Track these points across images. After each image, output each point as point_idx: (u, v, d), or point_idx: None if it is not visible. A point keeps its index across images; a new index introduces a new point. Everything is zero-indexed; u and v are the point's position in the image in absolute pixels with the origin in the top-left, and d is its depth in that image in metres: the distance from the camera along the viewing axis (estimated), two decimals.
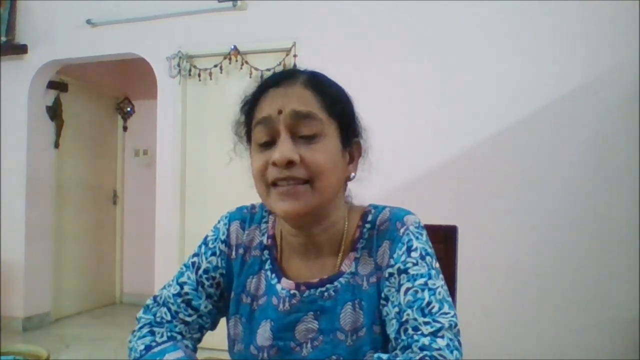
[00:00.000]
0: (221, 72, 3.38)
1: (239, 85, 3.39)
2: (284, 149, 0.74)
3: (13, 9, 3.87)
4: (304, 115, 0.75)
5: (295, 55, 3.14)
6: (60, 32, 3.78)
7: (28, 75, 3.86)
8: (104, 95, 4.77)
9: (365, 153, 0.85)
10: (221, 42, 3.35)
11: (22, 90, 3.86)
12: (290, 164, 0.73)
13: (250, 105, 0.82)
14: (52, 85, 4.04)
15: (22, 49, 3.82)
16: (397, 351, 0.71)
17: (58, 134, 4.13)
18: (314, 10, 3.15)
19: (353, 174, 0.83)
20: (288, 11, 3.21)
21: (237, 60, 3.31)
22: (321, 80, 0.82)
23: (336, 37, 3.08)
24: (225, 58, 3.33)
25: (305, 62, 3.03)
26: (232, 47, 3.30)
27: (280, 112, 0.76)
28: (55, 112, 4.08)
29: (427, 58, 2.92)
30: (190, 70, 3.44)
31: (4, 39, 3.83)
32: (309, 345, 0.79)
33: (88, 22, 3.67)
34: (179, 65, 3.44)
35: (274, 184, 0.76)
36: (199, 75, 3.40)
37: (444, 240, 1.03)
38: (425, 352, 0.67)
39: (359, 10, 3.04)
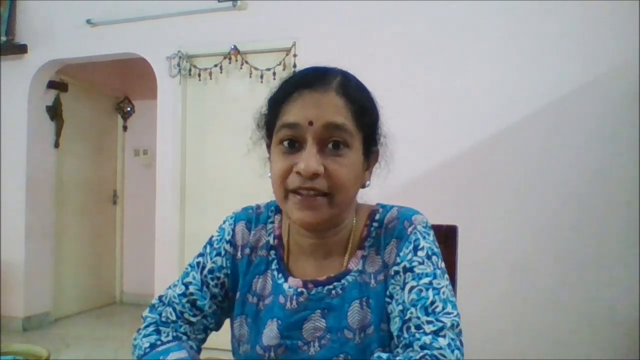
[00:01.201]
0: (221, 72, 3.38)
1: (239, 85, 3.41)
2: (310, 160, 0.73)
3: (13, 9, 3.87)
4: (335, 127, 0.74)
5: (295, 55, 3.15)
6: (60, 32, 3.78)
7: (28, 75, 3.86)
8: (104, 95, 4.77)
9: (384, 161, 0.86)
10: (221, 42, 3.35)
11: (22, 90, 3.86)
12: (314, 175, 0.73)
13: (278, 102, 0.79)
14: (52, 85, 4.04)
15: (22, 49, 3.82)
16: (399, 349, 0.71)
17: (58, 134, 4.13)
18: (314, 10, 3.15)
19: (368, 182, 0.84)
20: (288, 11, 3.21)
21: (237, 60, 3.31)
22: (353, 86, 0.80)
23: (336, 37, 3.08)
24: (225, 58, 3.33)
25: (305, 62, 3.02)
26: (232, 47, 3.30)
27: (311, 123, 0.74)
28: (55, 112, 4.08)
29: (427, 58, 2.92)
30: (190, 70, 3.44)
31: (4, 39, 3.83)
32: (316, 343, 0.79)
33: (88, 22, 3.67)
34: (179, 65, 3.44)
35: (294, 190, 0.75)
36: (199, 75, 3.40)
37: (444, 240, 1.03)
38: (425, 351, 0.68)
39: (359, 11, 3.05)
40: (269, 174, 0.83)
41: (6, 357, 1.24)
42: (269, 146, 0.85)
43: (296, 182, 0.74)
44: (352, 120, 0.76)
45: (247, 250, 0.88)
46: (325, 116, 0.74)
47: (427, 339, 0.69)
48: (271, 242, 0.87)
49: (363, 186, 0.83)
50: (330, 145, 0.75)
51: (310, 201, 0.74)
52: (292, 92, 0.77)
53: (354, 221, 0.84)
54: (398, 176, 3.16)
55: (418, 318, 0.71)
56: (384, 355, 0.70)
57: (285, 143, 0.76)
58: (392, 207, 0.85)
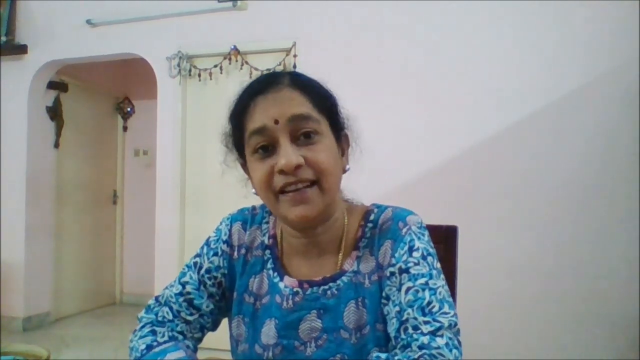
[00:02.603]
0: (221, 72, 3.38)
1: (239, 85, 3.39)
2: (288, 155, 0.73)
3: (13, 9, 3.87)
4: (301, 117, 0.76)
5: (295, 55, 3.15)
6: (60, 32, 3.78)
7: (28, 75, 3.86)
8: (104, 95, 4.77)
9: (355, 143, 0.86)
10: (221, 42, 3.35)
11: (22, 90, 3.86)
12: (296, 168, 0.74)
13: (239, 116, 0.81)
14: (52, 85, 4.05)
15: (22, 49, 3.82)
16: (397, 350, 0.71)
17: (58, 134, 4.13)
18: (314, 10, 3.15)
19: (348, 167, 0.85)
20: (288, 11, 3.21)
21: (237, 60, 3.31)
22: (303, 79, 0.82)
23: (336, 37, 3.08)
24: (225, 58, 3.33)
25: (305, 62, 3.03)
26: (232, 47, 3.30)
27: (276, 121, 0.75)
28: (55, 112, 4.09)
29: (427, 58, 2.92)
30: (190, 70, 3.45)
31: (4, 39, 3.83)
32: (312, 344, 0.79)
33: (88, 22, 3.67)
34: (179, 65, 3.44)
35: (282, 191, 0.76)
36: (199, 75, 3.40)
37: (444, 240, 1.03)
38: (424, 351, 0.68)
39: (359, 10, 3.05)
40: (253, 191, 0.83)
41: (6, 357, 1.24)
42: (243, 165, 0.85)
43: (281, 180, 0.75)
44: (312, 108, 0.78)
45: (243, 251, 0.88)
46: (288, 111, 0.75)
47: (425, 339, 0.69)
48: (266, 241, 0.88)
49: (344, 171, 0.83)
50: (301, 137, 0.76)
51: (302, 194, 0.75)
52: (248, 102, 0.79)
53: (346, 220, 0.85)
54: (398, 176, 3.16)
55: (415, 319, 0.71)
56: (383, 355, 0.70)
57: (259, 150, 0.77)
58: (386, 207, 0.85)
